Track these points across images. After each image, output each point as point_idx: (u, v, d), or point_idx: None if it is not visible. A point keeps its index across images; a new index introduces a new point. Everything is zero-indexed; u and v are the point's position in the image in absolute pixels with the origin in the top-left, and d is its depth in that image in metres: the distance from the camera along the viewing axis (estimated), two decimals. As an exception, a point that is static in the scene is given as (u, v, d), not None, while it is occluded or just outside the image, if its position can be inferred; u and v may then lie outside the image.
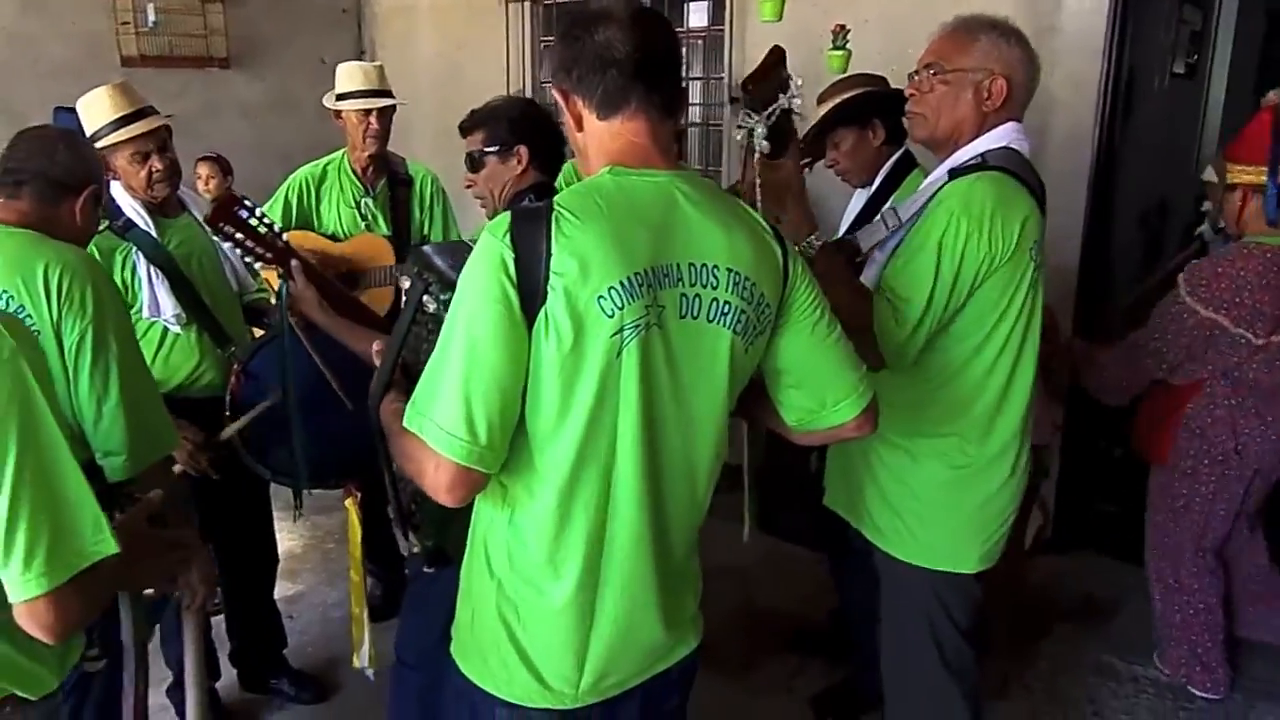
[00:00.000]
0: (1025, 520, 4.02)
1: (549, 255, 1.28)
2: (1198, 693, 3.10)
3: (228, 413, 2.57)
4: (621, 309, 1.30)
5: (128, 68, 4.93)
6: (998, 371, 1.97)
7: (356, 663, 2.19)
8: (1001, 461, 2.02)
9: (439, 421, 1.29)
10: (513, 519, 1.42)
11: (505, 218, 1.33)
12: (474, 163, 2.40)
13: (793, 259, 1.51)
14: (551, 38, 5.09)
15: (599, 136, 1.42)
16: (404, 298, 1.65)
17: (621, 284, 1.30)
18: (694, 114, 5.09)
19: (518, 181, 2.32)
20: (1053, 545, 4.01)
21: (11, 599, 1.24)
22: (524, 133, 2.34)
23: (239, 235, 2.42)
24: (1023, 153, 1.98)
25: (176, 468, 2.45)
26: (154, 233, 2.58)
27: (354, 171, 3.35)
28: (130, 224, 2.56)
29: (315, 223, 3.36)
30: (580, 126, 1.44)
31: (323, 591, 3.77)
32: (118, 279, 2.51)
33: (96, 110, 2.55)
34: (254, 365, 2.58)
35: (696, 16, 4.92)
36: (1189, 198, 3.77)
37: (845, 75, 3.04)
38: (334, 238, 3.34)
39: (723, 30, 4.63)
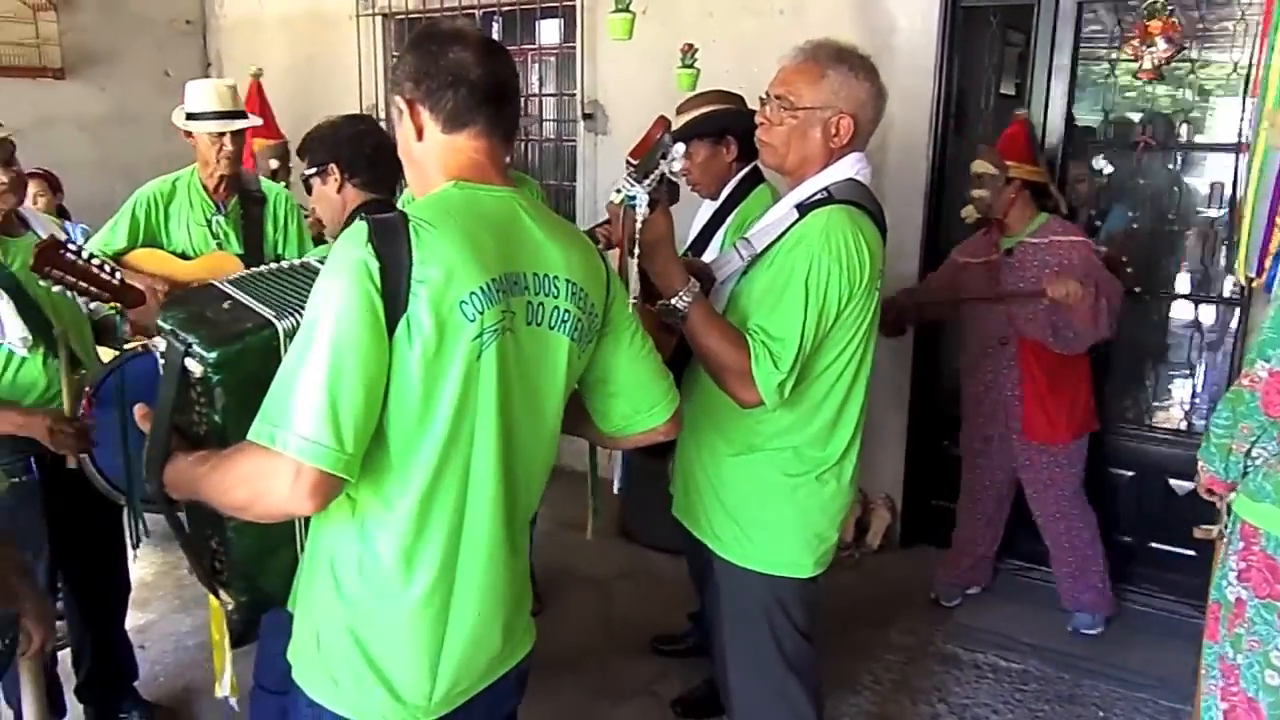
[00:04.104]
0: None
1: (410, 263, 1.30)
2: (1104, 614, 3.58)
3: None
4: (482, 313, 1.34)
5: (-49, 77, 4.71)
6: (837, 390, 2.05)
7: (219, 691, 2.15)
8: (835, 469, 2.10)
9: (301, 431, 1.26)
10: (364, 530, 1.41)
11: (362, 227, 1.33)
12: (307, 187, 2.40)
13: (612, 274, 1.60)
14: (405, 52, 5.06)
15: (439, 150, 1.47)
16: (160, 361, 1.50)
17: (481, 289, 1.34)
18: (547, 130, 5.14)
19: (342, 201, 2.31)
20: (898, 542, 4.24)
21: None
22: (331, 149, 2.32)
23: (69, 278, 2.35)
24: (864, 182, 2.06)
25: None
26: None
27: (205, 189, 3.27)
28: None
29: (164, 240, 3.26)
30: (420, 137, 1.48)
31: (176, 620, 3.65)
32: None
33: None
34: (105, 390, 2.50)
35: (548, 34, 4.98)
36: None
37: (708, 90, 3.13)
38: (184, 256, 3.26)
39: (574, 47, 4.71)
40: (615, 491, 2.41)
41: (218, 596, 1.68)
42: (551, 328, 1.46)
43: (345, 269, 1.31)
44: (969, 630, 3.62)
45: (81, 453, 2.44)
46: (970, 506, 3.76)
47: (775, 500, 2.08)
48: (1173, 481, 3.68)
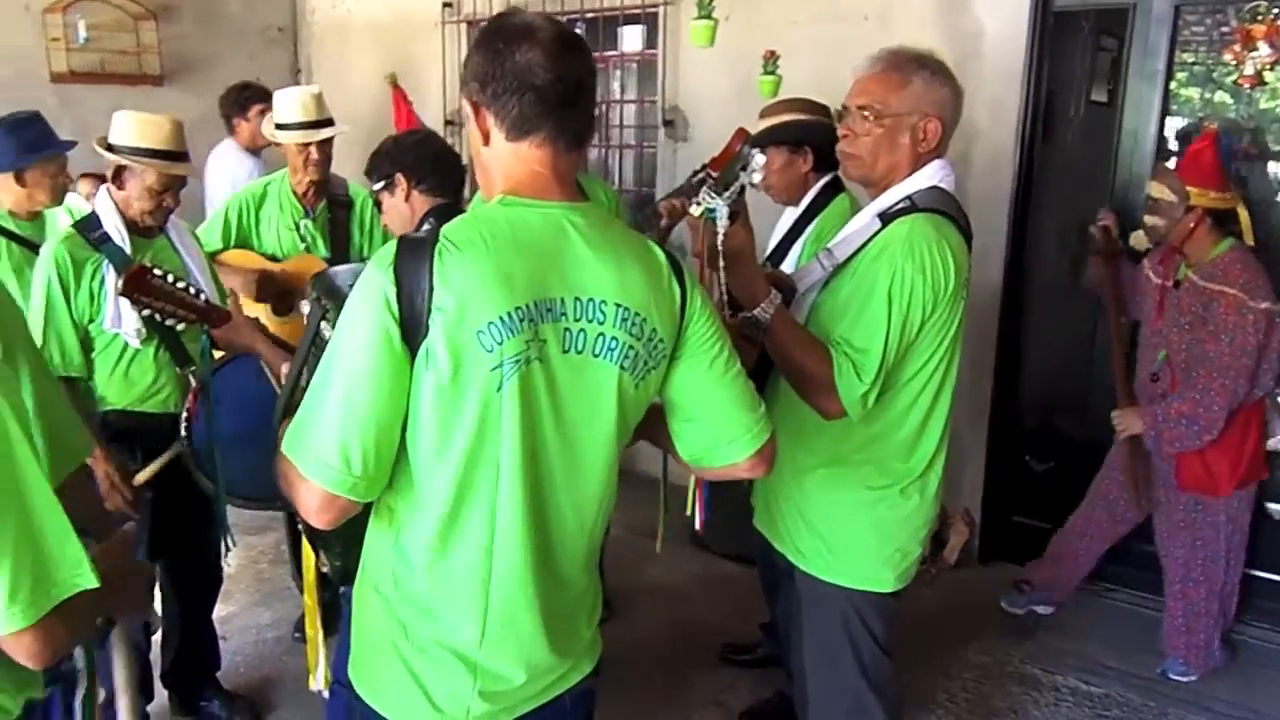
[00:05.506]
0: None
1: (431, 289, 1.27)
2: (1200, 669, 3.33)
3: (183, 432, 2.62)
4: (501, 344, 1.29)
5: (57, 84, 4.88)
6: (921, 401, 2.02)
7: (313, 685, 2.22)
8: (919, 483, 2.07)
9: (314, 450, 1.29)
10: (398, 541, 1.42)
11: (391, 248, 1.32)
12: (377, 204, 2.46)
13: (692, 294, 1.48)
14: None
15: (503, 157, 1.40)
16: (306, 322, 1.65)
17: (501, 319, 1.29)
18: (628, 136, 5.15)
19: (411, 209, 2.35)
20: (976, 558, 4.14)
21: None
22: (395, 160, 2.38)
23: (157, 303, 2.45)
24: (949, 189, 2.02)
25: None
26: (128, 250, 2.61)
27: (294, 193, 3.36)
28: (106, 238, 2.60)
29: (254, 242, 3.36)
30: (486, 141, 1.41)
31: (256, 612, 3.74)
32: (85, 288, 2.56)
33: (143, 131, 2.61)
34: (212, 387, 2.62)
35: (630, 40, 4.99)
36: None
37: (794, 98, 3.10)
38: (273, 258, 3.34)
39: (656, 54, 4.71)
40: (698, 529, 2.38)
41: (317, 556, 1.76)
42: (596, 355, 1.38)
43: (364, 293, 1.31)
44: (1050, 651, 3.52)
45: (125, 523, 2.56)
46: (1081, 511, 3.56)
47: (857, 514, 2.06)
48: (1270, 505, 3.53)
